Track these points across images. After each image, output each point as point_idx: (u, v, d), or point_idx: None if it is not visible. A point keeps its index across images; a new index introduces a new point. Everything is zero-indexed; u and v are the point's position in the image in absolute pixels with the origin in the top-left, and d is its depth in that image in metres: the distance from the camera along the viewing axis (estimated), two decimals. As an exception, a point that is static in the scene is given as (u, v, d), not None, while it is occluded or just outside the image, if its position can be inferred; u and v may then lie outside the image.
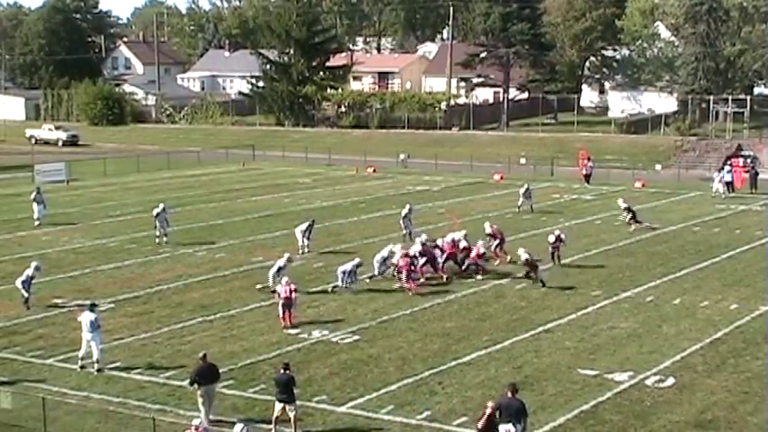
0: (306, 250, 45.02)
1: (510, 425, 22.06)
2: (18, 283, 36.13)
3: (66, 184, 71.38)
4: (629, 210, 52.43)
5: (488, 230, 44.27)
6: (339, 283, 37.75)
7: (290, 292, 33.49)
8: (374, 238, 47.78)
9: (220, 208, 59.89)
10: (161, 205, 48.91)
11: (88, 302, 31.44)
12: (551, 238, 42.01)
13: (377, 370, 29.02)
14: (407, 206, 49.54)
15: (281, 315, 33.49)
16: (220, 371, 25.99)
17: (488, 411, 21.74)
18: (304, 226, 45.84)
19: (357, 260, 38.39)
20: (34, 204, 53.69)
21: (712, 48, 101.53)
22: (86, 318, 29.13)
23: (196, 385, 24.87)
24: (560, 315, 34.89)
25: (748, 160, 78.34)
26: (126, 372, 28.84)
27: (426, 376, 28.41)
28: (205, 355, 25.64)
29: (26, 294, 35.93)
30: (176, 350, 30.66)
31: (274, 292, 35.06)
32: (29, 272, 36.35)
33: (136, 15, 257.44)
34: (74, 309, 34.87)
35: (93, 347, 28.84)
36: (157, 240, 47.69)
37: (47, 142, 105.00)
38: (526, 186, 58.78)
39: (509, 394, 22.51)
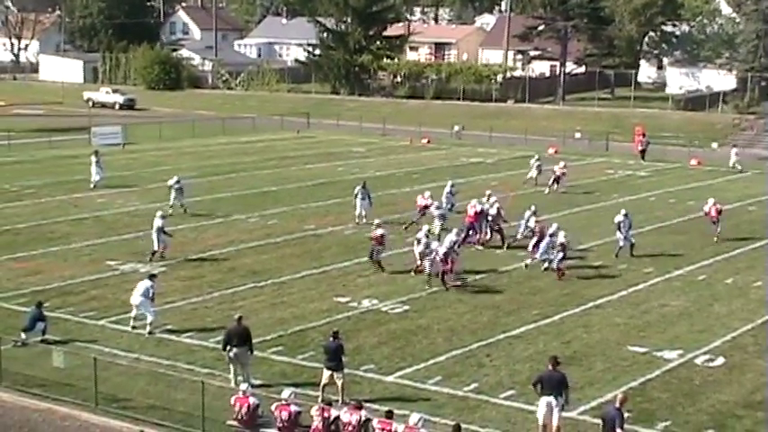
0: (363, 220, 44.94)
1: (551, 397, 22.13)
2: (154, 235, 37.84)
3: (122, 148, 71.90)
4: (559, 175, 55.40)
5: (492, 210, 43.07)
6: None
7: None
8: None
9: (274, 175, 60.11)
10: (175, 177, 48.28)
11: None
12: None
13: (425, 341, 29.08)
14: (450, 182, 48.59)
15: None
16: (270, 337, 26.01)
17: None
18: (357, 188, 45.87)
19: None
20: (93, 166, 54.07)
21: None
22: (141, 285, 29.43)
23: (228, 348, 25.01)
24: (611, 291, 34.75)
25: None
26: (176, 335, 29.11)
27: (475, 348, 28.43)
28: (240, 318, 25.72)
29: (157, 247, 37.64)
30: (226, 315, 30.76)
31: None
32: (157, 222, 37.82)
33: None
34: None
35: (144, 312, 29.14)
36: (171, 211, 45.51)
37: (104, 105, 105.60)
38: (537, 157, 59.80)
39: (550, 367, 22.53)
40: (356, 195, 45.81)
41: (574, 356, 27.51)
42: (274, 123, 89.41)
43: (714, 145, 78.52)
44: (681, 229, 45.60)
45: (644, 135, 73.01)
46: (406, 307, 32.40)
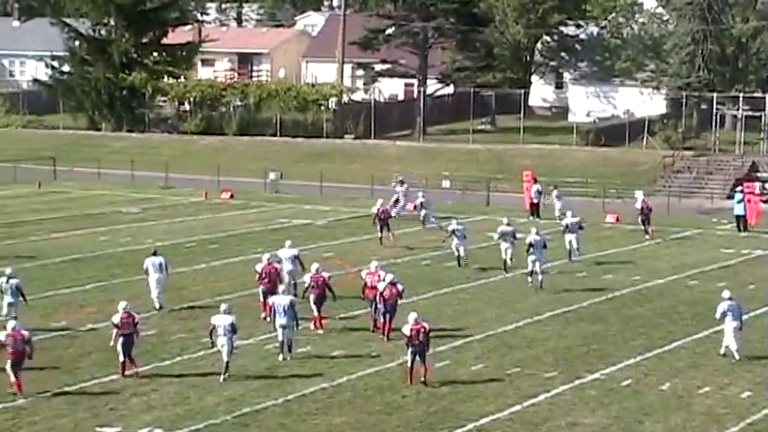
0: (158, 305, 44.95)
1: None
2: None
3: None
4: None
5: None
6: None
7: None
8: (230, 293, 47.52)
9: (5, 249, 59.29)
10: None
11: None
12: None
13: (233, 488, 28.98)
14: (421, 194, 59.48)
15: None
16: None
17: None
18: (147, 261, 45.56)
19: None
20: None
21: (716, 24, 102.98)
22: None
23: None
24: (498, 407, 34.97)
25: (767, 186, 79.42)
26: None
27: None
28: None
29: None
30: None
31: None
32: None
33: None
34: None
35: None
36: None
37: None
38: (555, 186, 71.51)
39: None
40: (146, 271, 45.48)
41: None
42: (4, 173, 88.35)
43: (638, 194, 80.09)
44: (595, 314, 46.25)
45: (535, 181, 73.54)
46: (204, 437, 32.23)
